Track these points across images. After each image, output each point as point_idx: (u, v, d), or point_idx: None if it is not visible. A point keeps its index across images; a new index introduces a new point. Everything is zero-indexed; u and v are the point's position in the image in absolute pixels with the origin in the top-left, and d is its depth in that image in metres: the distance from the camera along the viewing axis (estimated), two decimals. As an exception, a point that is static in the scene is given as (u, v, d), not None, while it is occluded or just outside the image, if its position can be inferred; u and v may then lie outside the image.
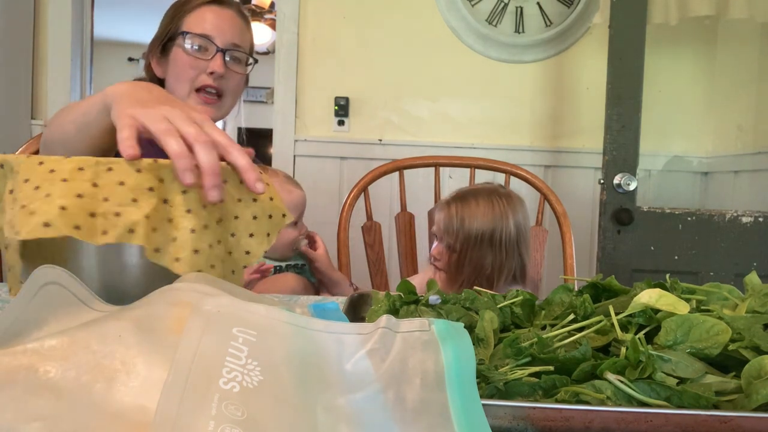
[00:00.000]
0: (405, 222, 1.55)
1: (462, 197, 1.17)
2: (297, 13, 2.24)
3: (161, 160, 0.54)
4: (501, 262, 1.10)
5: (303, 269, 1.19)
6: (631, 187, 1.72)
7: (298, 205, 1.19)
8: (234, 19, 1.17)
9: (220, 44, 1.14)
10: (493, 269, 1.10)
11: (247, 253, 0.58)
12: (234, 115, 1.24)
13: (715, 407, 0.42)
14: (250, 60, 1.21)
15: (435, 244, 1.20)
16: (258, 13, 4.39)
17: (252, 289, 1.08)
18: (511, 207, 1.13)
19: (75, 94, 2.32)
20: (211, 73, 1.13)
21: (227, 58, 1.15)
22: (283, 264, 1.16)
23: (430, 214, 1.54)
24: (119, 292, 0.49)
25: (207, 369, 0.37)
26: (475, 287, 0.66)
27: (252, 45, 1.24)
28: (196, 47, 1.13)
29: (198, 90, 1.14)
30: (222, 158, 0.57)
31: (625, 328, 0.52)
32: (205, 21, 1.14)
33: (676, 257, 1.74)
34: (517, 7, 2.24)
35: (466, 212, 1.11)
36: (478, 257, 1.09)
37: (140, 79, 1.27)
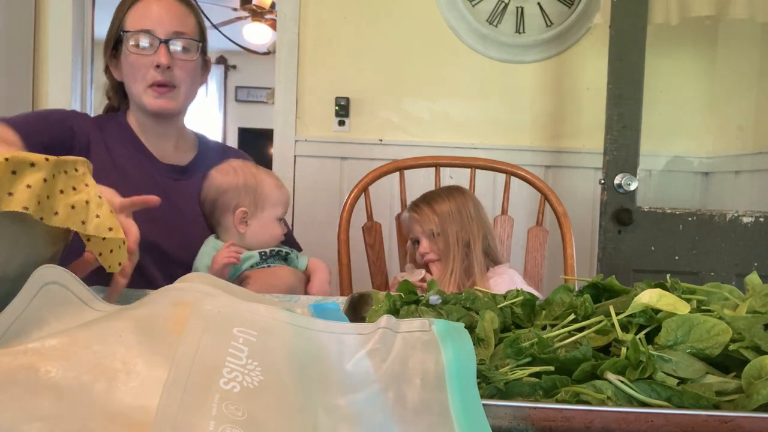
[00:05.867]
0: (405, 222, 1.55)
1: (422, 197, 1.40)
2: (297, 13, 2.24)
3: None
4: (473, 229, 1.33)
5: (288, 257, 1.18)
6: (632, 187, 1.71)
7: (289, 201, 1.21)
8: (173, 7, 1.17)
9: (161, 35, 1.14)
10: (469, 236, 1.33)
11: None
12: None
13: (716, 407, 0.42)
14: (200, 45, 1.20)
15: (420, 245, 1.35)
16: (258, 13, 4.39)
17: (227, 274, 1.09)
18: (466, 193, 1.39)
19: (76, 94, 2.32)
20: (158, 66, 1.13)
21: (173, 48, 1.15)
22: (267, 250, 1.15)
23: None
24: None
25: (207, 369, 0.37)
26: (476, 287, 0.67)
27: (201, 28, 1.22)
28: (139, 44, 1.14)
29: (151, 86, 1.15)
30: None
31: (625, 328, 0.52)
32: (143, 16, 1.14)
33: (676, 257, 1.74)
34: (517, 7, 2.24)
35: (432, 202, 1.36)
36: (455, 230, 1.32)
37: (109, 88, 1.27)
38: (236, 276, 1.11)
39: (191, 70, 1.19)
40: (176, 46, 1.15)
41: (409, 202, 1.55)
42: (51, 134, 1.08)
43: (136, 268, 1.03)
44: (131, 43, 1.14)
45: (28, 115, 1.07)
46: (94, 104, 2.47)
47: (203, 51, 1.23)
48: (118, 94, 1.26)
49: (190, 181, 1.22)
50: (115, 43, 1.18)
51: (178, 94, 1.18)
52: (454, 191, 1.38)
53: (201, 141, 1.34)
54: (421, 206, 1.36)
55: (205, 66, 1.28)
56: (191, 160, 1.27)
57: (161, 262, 1.13)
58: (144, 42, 1.14)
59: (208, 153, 1.30)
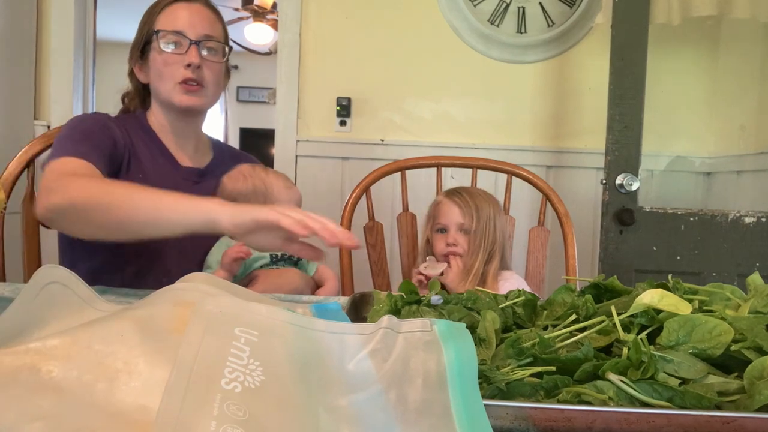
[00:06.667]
0: (407, 222, 1.55)
1: (464, 189, 1.38)
2: (299, 14, 2.24)
3: None
4: (499, 239, 1.34)
5: (299, 263, 1.20)
6: (634, 188, 1.71)
7: (300, 201, 1.24)
8: (203, 12, 1.22)
9: (192, 37, 1.19)
10: (495, 246, 1.33)
11: None
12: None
13: (718, 408, 0.42)
14: (226, 49, 1.26)
15: (449, 234, 1.33)
16: (260, 14, 4.39)
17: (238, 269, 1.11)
18: (499, 204, 1.39)
19: (78, 94, 2.32)
20: (189, 65, 1.18)
21: (203, 51, 1.20)
22: (279, 253, 1.17)
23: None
24: None
25: (209, 369, 0.37)
26: (477, 287, 0.67)
27: (226, 34, 1.28)
28: (171, 44, 1.19)
29: (180, 83, 1.19)
30: None
31: (627, 328, 0.52)
32: (175, 18, 1.20)
33: (678, 258, 1.74)
34: (519, 7, 2.24)
35: (476, 200, 1.34)
36: (488, 234, 1.32)
37: (126, 93, 1.32)
38: (246, 275, 1.13)
39: (218, 72, 1.25)
40: (205, 48, 1.21)
41: (409, 203, 1.55)
42: (104, 147, 1.11)
43: (157, 264, 1.07)
44: (162, 43, 1.19)
45: (80, 137, 1.09)
46: (96, 104, 2.47)
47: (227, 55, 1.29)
48: (139, 98, 1.30)
49: (207, 184, 1.26)
50: (143, 46, 1.23)
51: (206, 93, 1.23)
52: (490, 197, 1.37)
53: (215, 145, 1.39)
54: (465, 197, 1.34)
55: (227, 72, 1.32)
56: (208, 164, 1.32)
57: (183, 261, 1.17)
58: (175, 42, 1.19)
59: (223, 157, 1.35)
